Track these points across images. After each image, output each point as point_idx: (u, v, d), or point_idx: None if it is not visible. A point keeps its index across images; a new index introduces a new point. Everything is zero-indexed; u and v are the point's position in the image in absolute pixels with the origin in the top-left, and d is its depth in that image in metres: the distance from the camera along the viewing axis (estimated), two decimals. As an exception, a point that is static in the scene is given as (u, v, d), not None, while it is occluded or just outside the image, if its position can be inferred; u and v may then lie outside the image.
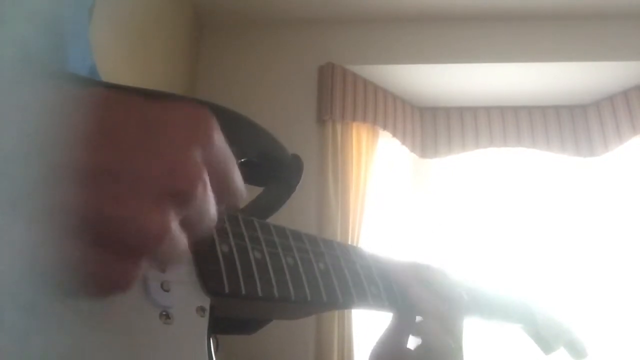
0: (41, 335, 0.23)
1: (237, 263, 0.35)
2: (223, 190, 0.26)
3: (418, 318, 0.50)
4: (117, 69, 1.66)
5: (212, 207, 0.25)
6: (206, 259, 0.34)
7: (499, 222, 2.41)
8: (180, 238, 0.24)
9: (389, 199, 2.41)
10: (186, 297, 0.32)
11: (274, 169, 0.42)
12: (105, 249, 0.21)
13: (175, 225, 0.23)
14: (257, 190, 0.43)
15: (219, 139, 0.26)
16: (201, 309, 0.33)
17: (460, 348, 0.49)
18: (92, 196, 0.20)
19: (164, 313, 0.31)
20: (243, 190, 0.28)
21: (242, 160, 0.38)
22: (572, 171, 2.52)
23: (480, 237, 2.38)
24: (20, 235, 0.19)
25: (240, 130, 0.39)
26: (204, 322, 0.33)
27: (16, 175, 0.19)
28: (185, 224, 0.24)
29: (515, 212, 2.43)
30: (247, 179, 0.41)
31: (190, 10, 2.49)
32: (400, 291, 0.50)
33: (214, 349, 0.35)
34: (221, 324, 0.36)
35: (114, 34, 1.66)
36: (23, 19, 0.25)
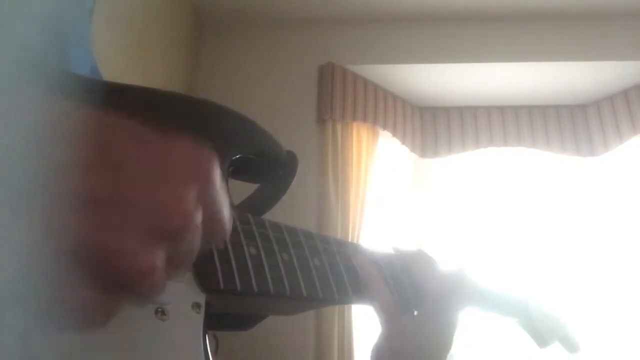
0: (39, 332, 0.23)
1: (232, 259, 0.35)
2: (212, 230, 0.26)
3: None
4: (117, 69, 1.67)
5: (198, 246, 0.25)
6: (201, 256, 0.34)
7: (499, 222, 2.41)
8: (163, 276, 0.23)
9: (389, 199, 2.41)
10: (181, 293, 0.33)
11: (269, 166, 0.42)
12: (89, 277, 0.21)
13: (160, 265, 0.23)
14: (252, 187, 0.43)
15: (217, 180, 0.25)
16: (197, 305, 0.33)
17: (449, 343, 0.49)
18: (85, 223, 0.20)
19: (159, 309, 0.31)
20: (229, 230, 0.28)
21: (238, 156, 0.38)
22: (572, 171, 2.52)
23: (480, 236, 2.38)
24: (17, 240, 0.19)
25: (235, 127, 0.39)
26: (199, 319, 0.33)
27: (9, 183, 0.19)
28: (170, 261, 0.24)
29: (515, 212, 2.43)
30: (243, 176, 0.42)
31: (190, 10, 2.49)
32: (413, 281, 0.50)
33: (213, 348, 0.35)
34: (217, 320, 0.36)
35: (114, 34, 1.66)
36: (23, 20, 0.25)
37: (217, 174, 0.25)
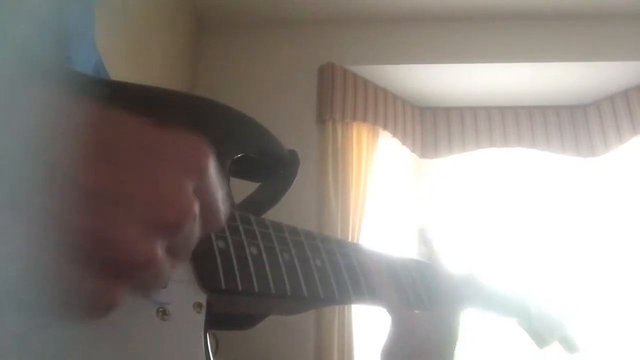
0: (40, 332, 0.23)
1: (234, 259, 0.35)
2: (209, 219, 0.27)
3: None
4: (117, 69, 1.66)
5: (197, 236, 0.26)
6: (203, 256, 0.34)
7: (499, 222, 2.41)
8: (165, 265, 0.24)
9: (389, 199, 2.41)
10: (183, 293, 0.33)
11: (271, 165, 0.42)
12: (91, 268, 0.21)
13: (161, 254, 0.23)
14: (254, 186, 0.43)
15: (213, 171, 0.26)
16: (198, 305, 0.33)
17: (455, 340, 0.49)
18: (85, 215, 0.21)
19: (161, 309, 0.31)
20: (224, 218, 0.28)
21: (240, 155, 0.38)
22: (572, 171, 2.52)
23: (480, 237, 2.38)
24: (17, 238, 0.19)
25: (237, 127, 0.39)
26: (201, 318, 0.33)
27: (10, 178, 0.19)
28: (169, 251, 0.24)
29: (515, 212, 2.43)
30: (244, 175, 0.41)
31: (190, 10, 2.49)
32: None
33: (213, 348, 0.35)
34: (218, 320, 0.36)
35: (114, 34, 1.66)
36: (26, 19, 0.25)
37: (211, 164, 0.26)
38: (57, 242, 0.20)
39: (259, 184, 0.43)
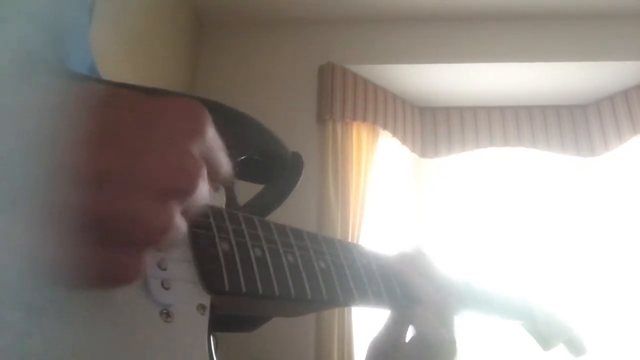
0: (41, 334, 0.23)
1: (238, 261, 0.35)
2: (216, 176, 0.28)
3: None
4: (117, 69, 1.66)
5: (207, 194, 0.27)
6: (206, 257, 0.34)
7: (499, 222, 2.41)
8: (181, 226, 0.25)
9: (389, 199, 2.41)
10: (187, 295, 0.32)
11: (274, 167, 0.42)
12: (112, 244, 0.22)
13: (177, 217, 0.24)
14: (258, 188, 0.43)
15: (212, 131, 0.27)
16: (201, 307, 0.33)
17: (453, 339, 0.49)
18: (97, 195, 0.21)
19: (164, 311, 0.31)
20: (230, 169, 0.30)
21: (243, 157, 0.38)
22: (572, 171, 2.52)
23: (480, 237, 2.38)
24: (22, 234, 0.20)
25: (241, 128, 0.39)
26: (204, 320, 0.33)
27: (17, 175, 0.19)
28: (184, 213, 0.25)
29: (515, 212, 2.43)
30: (248, 177, 0.41)
31: (190, 10, 2.49)
32: (399, 282, 0.49)
33: (213, 347, 0.35)
34: (221, 322, 0.36)
35: (114, 34, 1.66)
36: (22, 18, 0.25)
37: (210, 126, 0.27)
38: (76, 228, 0.21)
39: (263, 185, 0.43)
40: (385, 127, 2.43)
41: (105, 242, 0.22)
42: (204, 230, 0.34)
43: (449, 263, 0.58)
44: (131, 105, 0.25)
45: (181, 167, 0.24)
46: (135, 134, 0.23)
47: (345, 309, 2.02)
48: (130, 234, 0.23)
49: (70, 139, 0.21)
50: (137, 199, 0.22)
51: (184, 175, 0.24)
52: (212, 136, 0.27)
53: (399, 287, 0.49)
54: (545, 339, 0.67)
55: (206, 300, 0.33)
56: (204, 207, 0.28)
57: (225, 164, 0.29)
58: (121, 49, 1.74)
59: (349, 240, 2.06)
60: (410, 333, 0.49)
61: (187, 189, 0.24)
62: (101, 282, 0.23)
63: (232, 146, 0.30)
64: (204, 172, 0.25)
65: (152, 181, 0.23)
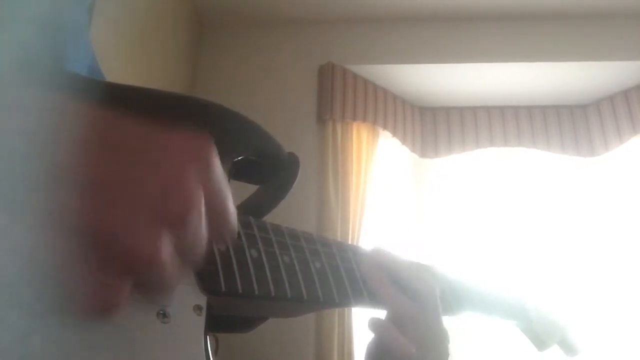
0: (40, 334, 0.23)
1: (234, 261, 0.35)
2: (218, 220, 0.26)
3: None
4: (117, 69, 1.67)
5: (204, 236, 0.25)
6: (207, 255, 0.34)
7: (499, 222, 2.41)
8: (171, 266, 0.23)
9: (389, 199, 2.41)
10: (183, 295, 0.32)
11: (270, 167, 0.42)
12: (95, 266, 0.21)
13: (166, 252, 0.22)
14: (253, 188, 0.43)
15: (217, 167, 0.25)
16: (198, 308, 0.33)
17: (423, 356, 0.45)
18: (87, 209, 0.20)
19: (161, 312, 0.31)
20: (234, 223, 0.28)
21: (239, 158, 0.38)
22: (572, 171, 2.52)
23: (480, 236, 2.38)
24: (22, 234, 0.19)
25: (237, 128, 0.39)
26: (201, 321, 0.33)
27: (12, 178, 0.19)
28: (177, 252, 0.23)
29: (515, 212, 2.43)
30: (244, 177, 0.41)
31: (190, 10, 2.49)
32: (368, 288, 0.46)
33: (213, 348, 0.35)
34: (218, 323, 0.36)
35: (114, 34, 1.66)
36: (22, 19, 0.25)
37: (216, 162, 0.25)
38: (60, 239, 0.20)
39: (258, 186, 0.43)
40: (385, 127, 2.43)
41: (89, 261, 0.21)
42: None
43: (444, 265, 0.57)
44: (135, 126, 0.23)
45: (174, 191, 0.22)
46: (134, 154, 0.22)
47: (345, 310, 2.02)
48: (110, 259, 0.21)
49: (69, 150, 0.20)
50: (123, 221, 0.21)
51: (175, 200, 0.22)
52: (216, 172, 0.25)
53: (367, 291, 0.46)
54: (540, 339, 0.67)
55: (203, 300, 0.33)
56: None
57: (230, 208, 0.26)
58: (121, 49, 1.75)
59: (349, 241, 2.06)
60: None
61: (178, 216, 0.22)
62: (80, 307, 0.21)
63: (229, 146, 0.30)
64: (199, 202, 0.24)
65: (141, 204, 0.21)
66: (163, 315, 0.31)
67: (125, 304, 0.22)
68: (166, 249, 0.22)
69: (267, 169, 0.42)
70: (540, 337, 0.66)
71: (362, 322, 2.06)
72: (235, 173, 0.39)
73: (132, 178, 0.22)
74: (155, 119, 0.24)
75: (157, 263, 0.22)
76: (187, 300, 0.33)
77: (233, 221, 0.27)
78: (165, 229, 0.22)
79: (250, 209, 0.41)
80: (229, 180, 0.38)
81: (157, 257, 0.22)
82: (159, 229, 0.22)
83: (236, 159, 0.38)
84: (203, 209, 0.24)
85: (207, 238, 0.25)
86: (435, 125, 2.64)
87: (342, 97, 2.38)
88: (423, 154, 2.59)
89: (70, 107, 0.22)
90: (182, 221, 0.23)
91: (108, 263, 0.21)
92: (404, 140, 2.50)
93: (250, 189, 0.43)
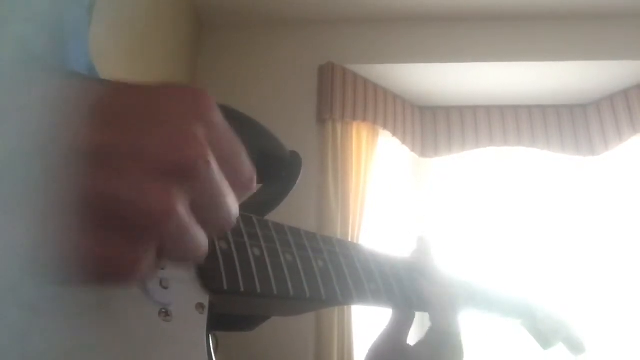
0: (41, 332, 0.23)
1: (236, 260, 0.35)
2: (234, 173, 0.25)
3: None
4: (117, 69, 1.66)
5: (224, 191, 0.24)
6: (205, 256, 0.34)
7: (499, 222, 2.41)
8: (190, 222, 0.23)
9: (389, 199, 2.41)
10: (185, 294, 0.32)
11: (272, 166, 0.42)
12: (110, 231, 0.20)
13: (182, 206, 0.22)
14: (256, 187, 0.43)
15: (220, 118, 0.25)
16: (200, 306, 0.33)
17: (462, 338, 0.52)
18: (93, 176, 0.20)
19: (163, 310, 0.31)
20: (253, 175, 0.27)
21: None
22: (572, 171, 2.52)
23: (480, 236, 2.38)
24: (22, 225, 0.19)
25: (239, 127, 0.39)
26: (203, 319, 0.33)
27: (17, 174, 0.19)
28: (197, 210, 0.23)
29: (515, 212, 2.43)
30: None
31: (190, 10, 2.49)
32: (412, 287, 0.51)
33: (214, 347, 0.35)
34: (220, 321, 0.36)
35: (114, 34, 1.66)
36: (22, 19, 0.25)
37: (218, 113, 0.25)
38: (68, 212, 0.19)
39: (261, 185, 0.43)
40: (385, 127, 2.43)
41: (102, 229, 0.20)
42: None
43: (450, 263, 0.58)
44: (133, 89, 0.23)
45: (178, 142, 0.22)
46: (134, 114, 0.22)
47: (345, 308, 2.02)
48: (125, 218, 0.20)
49: (69, 123, 0.20)
50: (132, 179, 0.20)
51: (180, 150, 0.22)
52: (220, 123, 0.25)
53: (411, 289, 0.51)
54: (544, 338, 0.67)
55: (205, 299, 0.33)
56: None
57: (244, 159, 0.26)
58: (121, 49, 1.75)
59: (349, 240, 2.06)
60: (410, 337, 0.49)
61: (184, 165, 0.22)
62: (99, 277, 0.21)
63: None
64: (207, 154, 0.23)
65: (148, 161, 0.21)
66: (165, 314, 0.31)
67: (152, 271, 0.22)
68: (180, 201, 0.22)
69: (269, 168, 0.42)
70: (545, 335, 0.66)
71: (362, 322, 2.06)
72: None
73: (133, 138, 0.21)
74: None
75: (172, 216, 0.21)
76: (189, 299, 0.33)
77: (250, 172, 0.26)
78: (175, 182, 0.22)
79: (253, 208, 0.41)
80: None
81: (171, 210, 0.21)
82: (168, 182, 0.21)
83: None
84: (211, 159, 0.23)
85: (224, 194, 0.24)
86: (435, 124, 2.64)
87: (342, 97, 2.37)
88: (423, 153, 2.59)
89: (69, 89, 0.22)
90: (189, 171, 0.22)
91: (120, 226, 0.20)
92: (403, 140, 2.50)
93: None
